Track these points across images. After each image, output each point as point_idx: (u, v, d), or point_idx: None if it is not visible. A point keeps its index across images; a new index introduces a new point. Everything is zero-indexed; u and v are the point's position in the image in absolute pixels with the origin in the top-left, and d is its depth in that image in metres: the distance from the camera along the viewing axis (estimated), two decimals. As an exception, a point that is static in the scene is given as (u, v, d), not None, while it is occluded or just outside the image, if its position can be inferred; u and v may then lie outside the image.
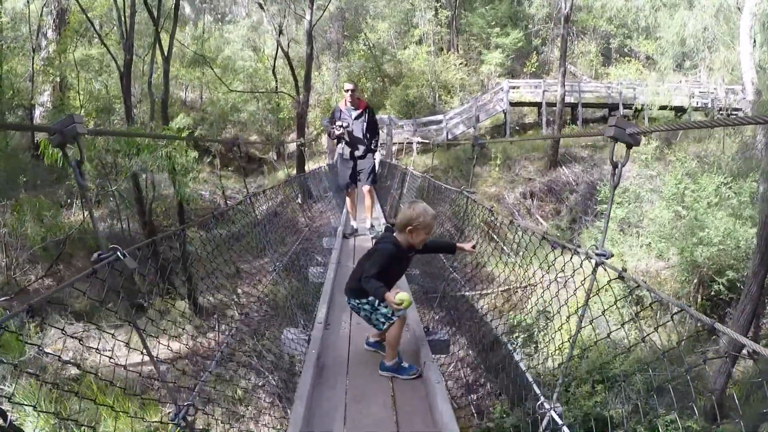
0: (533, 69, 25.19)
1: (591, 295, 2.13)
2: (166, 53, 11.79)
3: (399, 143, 18.66)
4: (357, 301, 3.10)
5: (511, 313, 9.06)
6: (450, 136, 19.89)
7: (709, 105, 21.37)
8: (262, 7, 20.57)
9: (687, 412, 7.00)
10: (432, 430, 2.62)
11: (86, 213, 15.24)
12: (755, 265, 7.35)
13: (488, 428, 7.35)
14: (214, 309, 12.03)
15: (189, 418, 2.35)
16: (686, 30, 14.28)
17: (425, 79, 23.48)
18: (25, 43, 16.44)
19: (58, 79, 18.46)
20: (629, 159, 1.97)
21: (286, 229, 7.02)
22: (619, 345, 7.80)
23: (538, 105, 21.57)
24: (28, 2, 15.43)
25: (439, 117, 20.86)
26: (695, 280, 10.89)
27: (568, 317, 2.47)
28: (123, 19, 11.71)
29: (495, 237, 8.06)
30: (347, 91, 6.45)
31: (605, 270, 2.03)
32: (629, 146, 1.91)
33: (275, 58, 20.45)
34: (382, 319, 3.08)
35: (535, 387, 3.00)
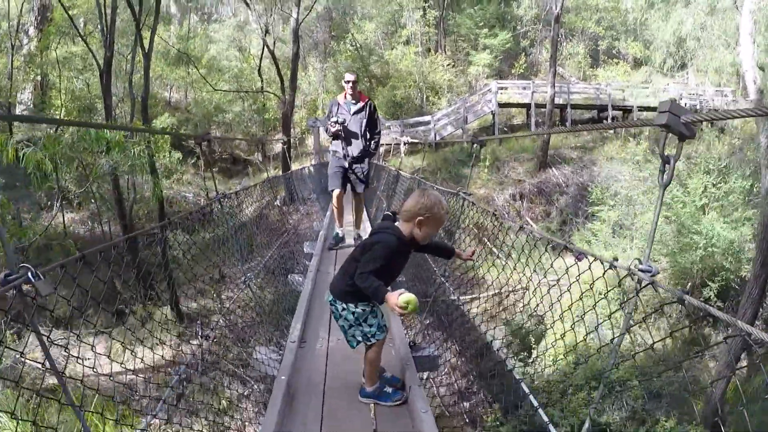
0: (521, 70, 25.07)
1: (636, 322, 1.79)
2: (146, 50, 11.41)
3: (386, 144, 18.40)
4: (342, 305, 2.60)
5: (507, 315, 8.81)
6: (438, 137, 19.67)
7: (698, 107, 21.47)
8: (248, 5, 20.25)
9: (686, 418, 6.83)
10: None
11: (62, 215, 14.84)
12: (756, 268, 7.18)
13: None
14: (197, 315, 11.70)
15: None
16: (683, 28, 14.13)
17: (413, 80, 23.24)
18: (3, 40, 15.95)
19: (39, 78, 18.00)
20: (680, 152, 1.64)
21: (265, 233, 6.58)
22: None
23: (527, 106, 21.36)
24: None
25: (427, 118, 20.64)
26: (688, 285, 10.76)
27: (589, 333, 2.20)
28: (104, 15, 11.34)
29: (488, 242, 7.84)
30: (348, 82, 5.79)
31: (655, 290, 1.67)
32: (681, 138, 1.60)
33: (261, 58, 20.13)
34: (359, 337, 2.62)
35: (532, 399, 2.71)
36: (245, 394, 8.43)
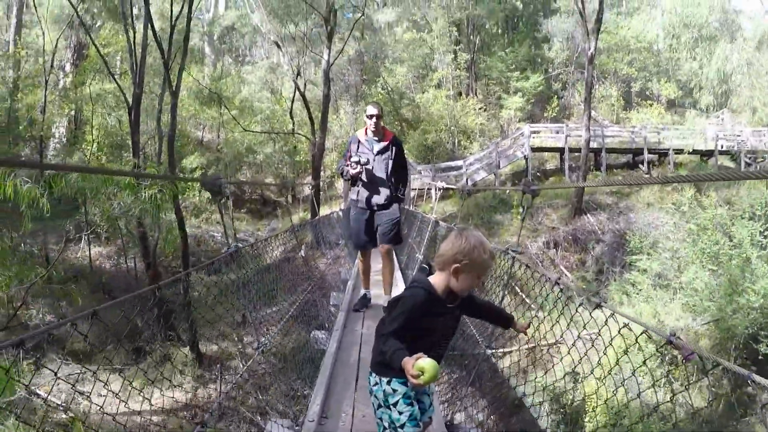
0: (554, 113, 24.71)
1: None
2: (173, 88, 11.50)
3: (417, 189, 18.07)
4: (375, 379, 2.12)
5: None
6: (470, 182, 19.28)
7: (735, 148, 21.06)
8: (280, 48, 20.51)
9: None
10: None
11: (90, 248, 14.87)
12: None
13: None
14: (218, 358, 11.33)
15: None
16: (728, 64, 13.53)
17: (444, 124, 23.08)
18: (39, 75, 16.47)
19: (73, 113, 18.41)
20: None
21: (287, 283, 6.05)
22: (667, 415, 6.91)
23: (561, 150, 20.91)
24: (44, 35, 15.44)
25: (459, 162, 20.33)
26: (735, 341, 9.92)
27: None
28: (134, 53, 11.52)
29: (519, 291, 7.32)
30: (370, 117, 4.90)
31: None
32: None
33: (293, 100, 20.24)
34: (386, 423, 2.08)
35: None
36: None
